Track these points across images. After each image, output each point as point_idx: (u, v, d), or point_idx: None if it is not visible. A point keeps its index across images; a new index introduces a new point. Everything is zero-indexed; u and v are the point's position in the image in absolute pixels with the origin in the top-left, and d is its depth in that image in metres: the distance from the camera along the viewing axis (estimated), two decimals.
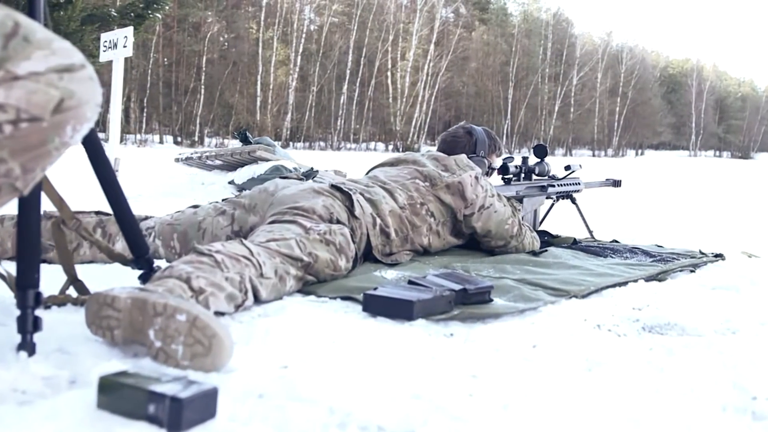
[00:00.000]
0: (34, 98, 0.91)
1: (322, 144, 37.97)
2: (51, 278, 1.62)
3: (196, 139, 32.54)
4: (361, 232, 2.12)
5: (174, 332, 1.17)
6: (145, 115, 32.39)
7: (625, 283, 2.13)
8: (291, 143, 35.50)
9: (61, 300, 1.55)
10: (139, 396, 0.97)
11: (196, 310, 1.17)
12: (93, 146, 1.50)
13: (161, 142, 31.72)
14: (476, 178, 2.46)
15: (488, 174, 2.83)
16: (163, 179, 5.67)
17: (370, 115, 39.87)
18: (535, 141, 43.76)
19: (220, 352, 1.15)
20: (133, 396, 0.97)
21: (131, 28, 6.48)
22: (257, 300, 1.63)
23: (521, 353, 1.40)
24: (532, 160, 3.15)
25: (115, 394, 0.99)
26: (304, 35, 37.08)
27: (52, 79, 0.93)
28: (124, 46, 6.33)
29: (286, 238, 1.81)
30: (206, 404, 0.99)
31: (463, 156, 2.54)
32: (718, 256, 2.82)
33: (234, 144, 5.18)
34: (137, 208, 4.02)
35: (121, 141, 28.91)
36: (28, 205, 1.25)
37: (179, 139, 32.43)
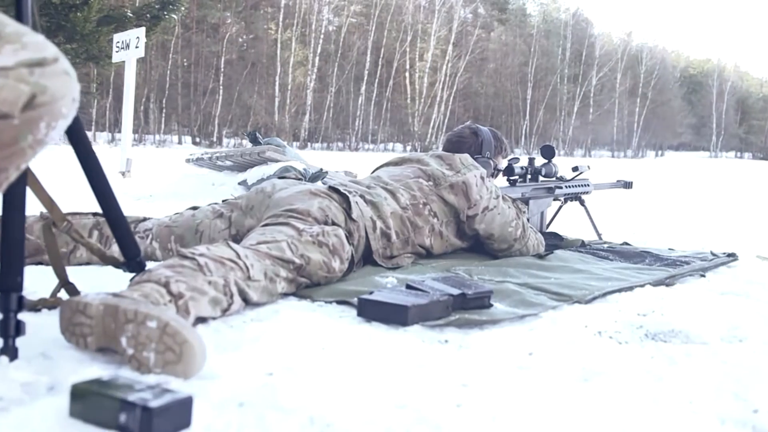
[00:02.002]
0: (3, 94, 0.87)
1: (340, 145, 38.02)
2: (45, 280, 1.60)
3: (215, 139, 32.71)
4: (359, 235, 2.09)
5: (145, 339, 1.14)
6: (164, 115, 32.59)
7: (631, 288, 2.08)
8: (309, 144, 35.59)
9: (51, 303, 1.52)
10: (111, 405, 0.94)
11: (167, 317, 1.15)
12: (83, 147, 1.48)
13: (180, 142, 31.92)
14: (481, 178, 2.41)
15: (494, 175, 2.78)
16: (174, 180, 5.66)
17: (388, 115, 39.87)
18: (554, 142, 43.58)
19: (192, 359, 1.12)
20: (105, 404, 0.95)
21: (143, 28, 6.51)
22: (247, 303, 1.60)
23: (516, 361, 1.35)
24: (539, 161, 3.10)
25: (87, 402, 0.96)
26: (322, 36, 37.15)
27: (23, 74, 0.88)
28: (136, 47, 6.35)
29: (277, 240, 1.78)
30: (180, 413, 0.96)
31: (468, 155, 2.50)
32: (731, 255, 2.76)
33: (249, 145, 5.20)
34: (147, 209, 4.02)
35: (140, 141, 29.16)
36: (12, 206, 1.23)
37: (198, 139, 32.60)
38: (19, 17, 1.34)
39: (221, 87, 33.57)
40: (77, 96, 0.97)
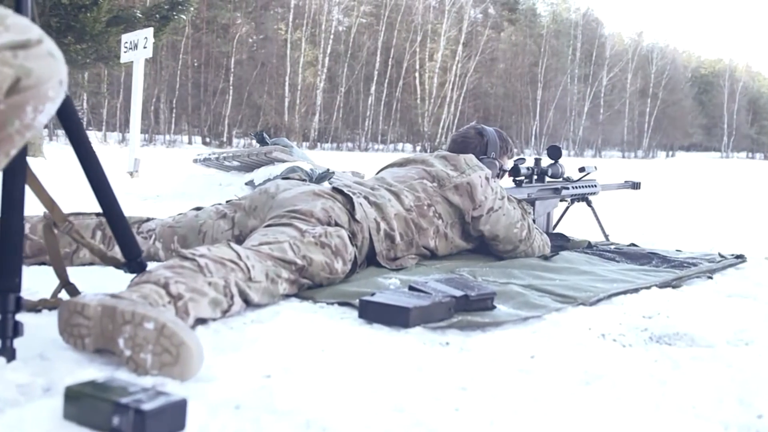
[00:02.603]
0: None
1: (350, 145, 38.07)
2: (47, 280, 1.60)
3: (225, 139, 32.80)
4: (363, 236, 2.07)
5: (142, 341, 1.13)
6: (174, 115, 32.70)
7: (636, 290, 2.05)
8: (319, 144, 35.64)
9: (51, 303, 1.52)
10: (104, 407, 0.94)
11: (164, 318, 1.14)
12: (83, 147, 1.47)
13: (190, 142, 32.03)
14: (486, 179, 2.40)
15: (499, 176, 2.76)
16: (181, 180, 5.67)
17: (397, 116, 39.90)
18: (564, 142, 43.47)
19: (189, 361, 1.11)
20: (98, 407, 0.94)
21: (151, 29, 6.52)
22: (248, 304, 1.59)
23: (517, 364, 1.34)
24: (546, 161, 3.08)
25: (81, 404, 0.96)
26: (332, 36, 37.20)
27: (6, 57, 0.86)
28: (144, 47, 6.37)
29: (279, 241, 1.77)
30: (174, 416, 0.95)
31: (472, 156, 2.48)
32: (739, 257, 2.74)
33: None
34: (154, 209, 4.01)
35: (150, 141, 29.27)
36: (10, 207, 1.22)
37: (208, 139, 32.71)
38: (18, 9, 1.33)
39: (231, 87, 33.68)
40: (64, 78, 0.94)
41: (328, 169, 4.62)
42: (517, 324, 1.64)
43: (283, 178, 2.32)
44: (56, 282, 1.51)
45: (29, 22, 0.91)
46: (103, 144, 24.78)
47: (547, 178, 3.07)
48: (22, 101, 0.87)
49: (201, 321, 1.47)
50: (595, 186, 3.28)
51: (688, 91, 54.46)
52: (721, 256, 2.75)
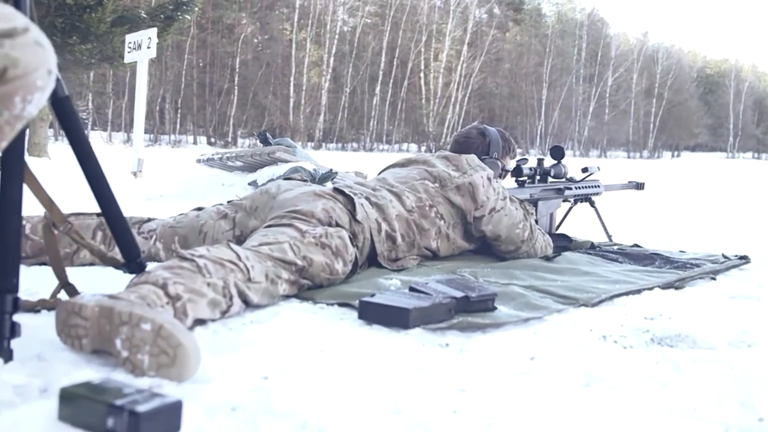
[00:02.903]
0: None
1: (355, 145, 38.06)
2: (47, 281, 1.60)
3: (230, 139, 32.83)
4: (364, 237, 2.07)
5: (140, 342, 1.13)
6: (179, 116, 32.74)
7: (639, 291, 2.04)
8: (324, 144, 35.65)
9: (50, 304, 1.52)
10: (99, 409, 0.93)
11: (161, 319, 1.13)
12: (82, 148, 1.47)
13: (195, 143, 32.05)
14: (488, 179, 2.39)
15: (502, 176, 2.75)
16: (185, 180, 5.67)
17: (402, 116, 39.86)
18: (569, 142, 43.40)
19: (186, 362, 1.11)
20: (93, 409, 0.94)
21: (155, 29, 6.53)
22: (248, 305, 1.59)
23: (517, 366, 1.33)
24: (549, 161, 3.07)
25: (76, 406, 0.95)
26: (337, 36, 37.18)
27: None
28: (148, 47, 6.37)
29: (279, 242, 1.76)
30: (169, 417, 0.94)
31: (474, 156, 2.47)
32: (743, 258, 2.72)
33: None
34: (157, 209, 4.01)
35: (156, 142, 29.32)
36: (8, 207, 1.22)
37: (213, 139, 32.73)
38: (17, 5, 1.32)
39: (236, 87, 33.69)
40: (53, 68, 0.92)
41: (331, 170, 4.61)
42: (517, 325, 1.63)
43: (285, 179, 2.32)
44: (56, 282, 1.51)
45: (14, 10, 0.88)
46: (108, 144, 24.83)
47: (550, 179, 3.06)
48: (10, 91, 0.85)
49: (200, 322, 1.46)
50: (598, 186, 3.26)
51: (694, 91, 54.28)
52: (724, 257, 2.73)
